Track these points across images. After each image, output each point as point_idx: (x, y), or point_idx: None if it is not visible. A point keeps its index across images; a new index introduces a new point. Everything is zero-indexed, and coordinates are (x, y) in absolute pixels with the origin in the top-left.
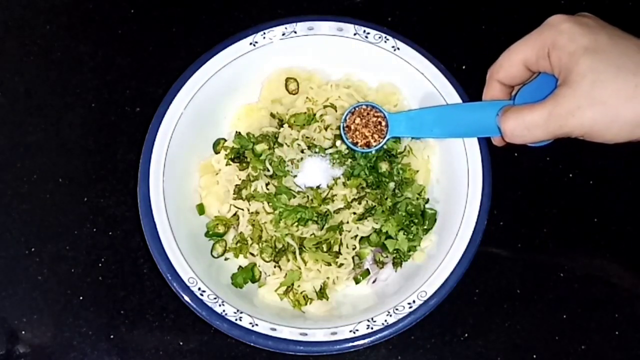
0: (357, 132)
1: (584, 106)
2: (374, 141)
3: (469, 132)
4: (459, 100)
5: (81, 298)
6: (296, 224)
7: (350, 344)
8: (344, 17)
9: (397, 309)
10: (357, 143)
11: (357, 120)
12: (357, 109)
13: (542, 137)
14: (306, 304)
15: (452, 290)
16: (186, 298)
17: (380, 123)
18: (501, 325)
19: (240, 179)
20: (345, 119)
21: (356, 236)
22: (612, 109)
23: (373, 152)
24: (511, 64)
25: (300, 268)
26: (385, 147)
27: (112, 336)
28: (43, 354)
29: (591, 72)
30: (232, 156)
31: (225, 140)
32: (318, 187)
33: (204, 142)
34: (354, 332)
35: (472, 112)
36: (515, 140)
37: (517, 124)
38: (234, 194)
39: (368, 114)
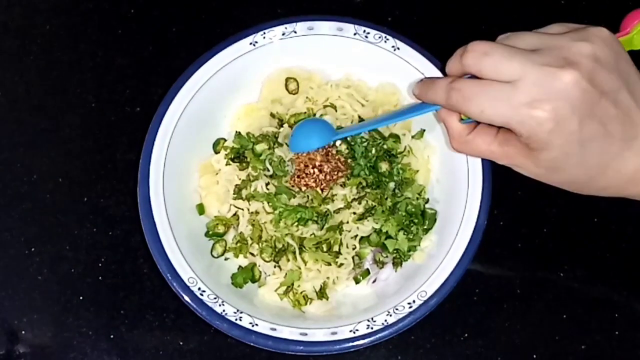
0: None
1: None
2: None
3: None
4: None
5: (81, 298)
6: (296, 223)
7: (350, 344)
8: (343, 17)
9: (397, 309)
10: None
11: (316, 172)
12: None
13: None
14: (306, 303)
15: (452, 290)
16: (186, 298)
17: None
18: (501, 325)
19: (240, 179)
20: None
21: (356, 236)
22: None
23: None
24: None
25: (300, 268)
26: (385, 147)
27: (112, 336)
28: (43, 353)
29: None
30: (232, 156)
31: (225, 140)
32: None
33: (203, 142)
34: (354, 332)
35: (410, 113)
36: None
37: (467, 150)
38: (233, 193)
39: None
